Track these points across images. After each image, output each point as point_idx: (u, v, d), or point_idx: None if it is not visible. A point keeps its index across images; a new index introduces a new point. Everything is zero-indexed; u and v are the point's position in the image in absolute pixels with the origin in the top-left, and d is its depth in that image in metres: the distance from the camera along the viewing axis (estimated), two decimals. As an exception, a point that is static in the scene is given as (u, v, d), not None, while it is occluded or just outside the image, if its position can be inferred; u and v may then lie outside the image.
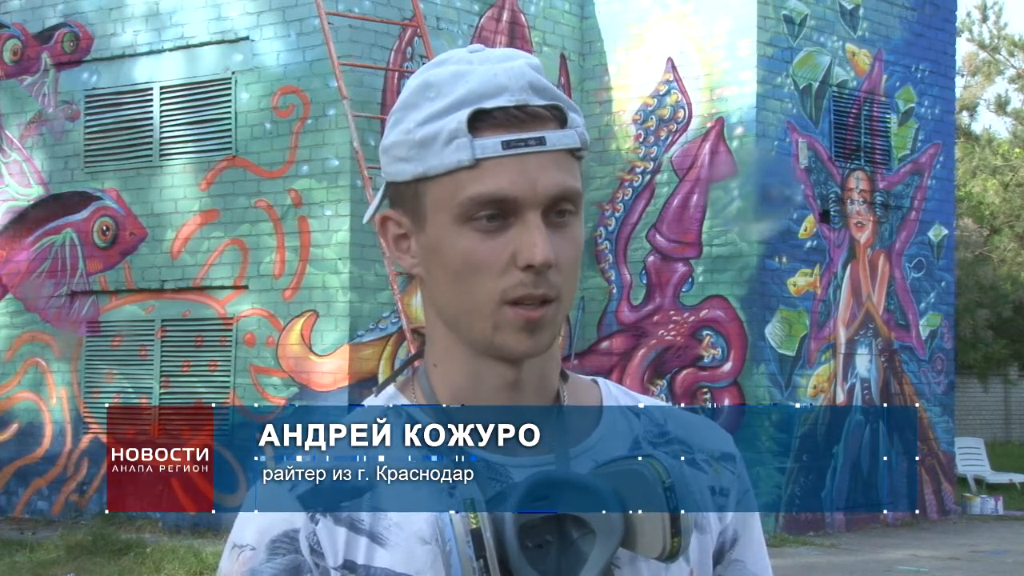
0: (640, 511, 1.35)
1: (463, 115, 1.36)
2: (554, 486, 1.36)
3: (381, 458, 1.43)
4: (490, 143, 1.36)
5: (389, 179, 1.43)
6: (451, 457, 1.42)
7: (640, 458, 1.38)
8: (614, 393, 1.53)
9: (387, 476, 1.42)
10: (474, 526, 1.32)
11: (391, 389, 1.48)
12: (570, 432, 1.46)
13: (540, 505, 1.36)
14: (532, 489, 1.35)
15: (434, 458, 1.42)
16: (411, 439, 1.44)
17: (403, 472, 1.42)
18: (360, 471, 1.42)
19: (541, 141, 1.37)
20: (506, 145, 1.36)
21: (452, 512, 1.33)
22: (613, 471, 1.38)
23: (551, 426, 1.45)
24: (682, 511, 1.35)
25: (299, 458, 1.45)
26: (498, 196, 1.35)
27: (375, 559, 1.39)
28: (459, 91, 1.37)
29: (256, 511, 1.42)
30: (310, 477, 1.42)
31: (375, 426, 1.45)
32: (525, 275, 1.36)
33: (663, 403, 1.56)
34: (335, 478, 1.42)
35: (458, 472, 1.41)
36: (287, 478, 1.43)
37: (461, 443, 1.42)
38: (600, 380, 1.55)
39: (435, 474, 1.42)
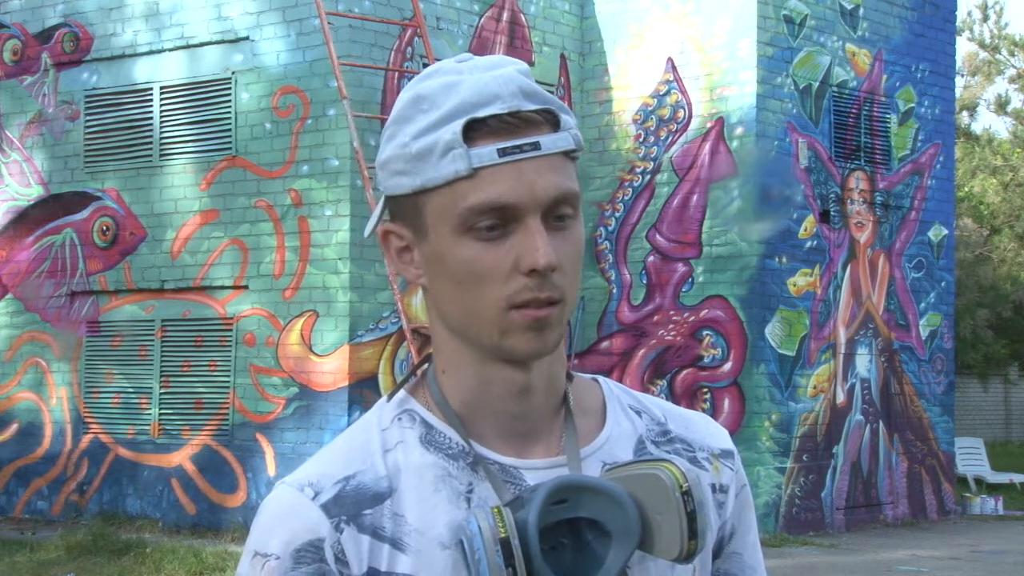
0: (657, 515, 1.37)
1: (457, 125, 1.37)
2: (573, 489, 1.38)
3: (399, 463, 1.44)
4: (486, 151, 1.37)
5: (388, 193, 1.44)
6: (466, 461, 1.44)
7: (657, 462, 1.40)
8: (616, 392, 1.55)
9: (406, 481, 1.43)
10: (503, 535, 1.33)
11: (402, 394, 1.50)
12: (579, 433, 1.48)
13: (559, 509, 1.37)
14: (552, 493, 1.37)
15: (450, 462, 1.44)
16: (426, 443, 1.45)
17: (421, 477, 1.43)
18: (380, 477, 1.43)
19: (536, 146, 1.38)
20: (502, 152, 1.37)
21: (480, 520, 1.34)
22: (630, 474, 1.40)
23: (559, 428, 1.47)
24: (699, 515, 1.37)
25: (315, 466, 1.46)
26: (497, 204, 1.36)
27: (397, 565, 1.40)
28: (451, 102, 1.38)
29: (279, 520, 1.42)
30: (331, 485, 1.43)
31: (389, 431, 1.47)
32: (529, 280, 1.37)
33: (662, 401, 1.57)
34: (356, 485, 1.43)
35: (473, 476, 1.43)
36: (308, 486, 1.43)
37: (474, 447, 1.44)
38: (600, 379, 1.56)
39: (452, 479, 1.43)
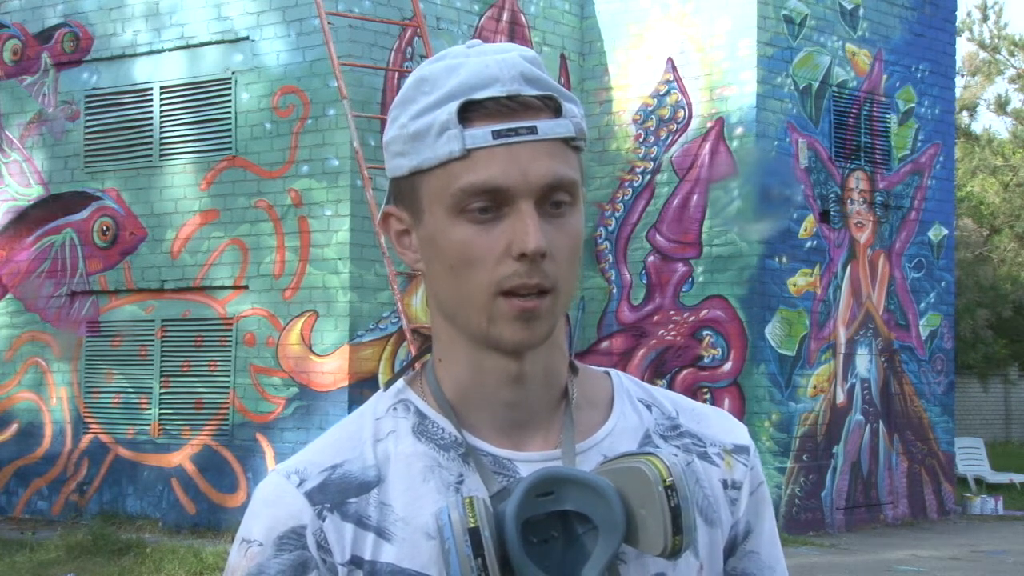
0: (642, 509, 1.35)
1: (453, 106, 1.37)
2: (558, 482, 1.36)
3: (389, 452, 1.44)
4: (480, 133, 1.36)
5: (390, 175, 1.44)
6: (457, 452, 1.43)
7: (642, 456, 1.37)
8: (626, 386, 1.52)
9: (394, 471, 1.43)
10: (472, 524, 1.32)
11: (399, 383, 1.49)
12: (579, 426, 1.46)
13: (544, 501, 1.36)
14: (535, 485, 1.35)
15: (440, 453, 1.43)
16: (418, 433, 1.45)
17: (410, 466, 1.43)
18: (368, 466, 1.43)
19: (532, 130, 1.37)
20: (496, 135, 1.36)
21: (451, 510, 1.33)
22: (616, 468, 1.38)
23: (558, 421, 1.45)
24: (684, 511, 1.34)
25: (306, 454, 1.46)
26: (490, 186, 1.35)
27: (381, 554, 1.40)
28: (451, 83, 1.38)
29: (264, 507, 1.43)
30: (317, 473, 1.43)
31: (383, 420, 1.46)
32: (519, 264, 1.35)
33: (677, 396, 1.55)
34: (342, 474, 1.43)
35: (464, 467, 1.42)
36: (294, 473, 1.43)
37: (467, 438, 1.43)
38: (612, 372, 1.54)
39: (441, 469, 1.42)
